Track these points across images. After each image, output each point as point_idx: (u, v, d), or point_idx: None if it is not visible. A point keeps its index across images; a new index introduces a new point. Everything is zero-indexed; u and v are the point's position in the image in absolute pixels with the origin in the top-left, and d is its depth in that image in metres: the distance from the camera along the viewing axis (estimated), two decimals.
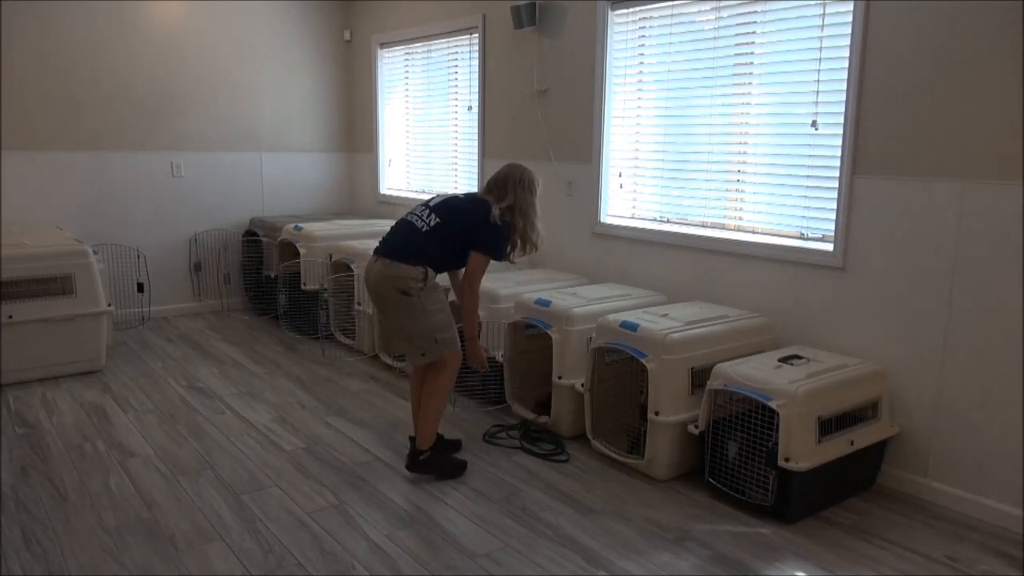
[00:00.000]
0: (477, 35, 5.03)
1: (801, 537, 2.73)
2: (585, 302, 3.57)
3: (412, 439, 3.18)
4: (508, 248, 3.09)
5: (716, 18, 3.64)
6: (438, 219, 3.00)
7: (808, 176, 3.35)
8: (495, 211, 3.00)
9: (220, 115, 5.83)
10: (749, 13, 3.49)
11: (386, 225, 5.59)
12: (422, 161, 5.85)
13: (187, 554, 2.56)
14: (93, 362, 4.41)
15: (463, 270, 3.11)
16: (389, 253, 2.98)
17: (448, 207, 3.05)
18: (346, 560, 2.53)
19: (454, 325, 3.06)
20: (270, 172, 6.15)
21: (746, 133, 3.58)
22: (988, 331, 2.83)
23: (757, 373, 2.89)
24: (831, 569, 2.53)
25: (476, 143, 5.15)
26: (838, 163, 3.20)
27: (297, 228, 5.26)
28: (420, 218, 3.03)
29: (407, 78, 5.88)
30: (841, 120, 3.17)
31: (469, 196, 3.14)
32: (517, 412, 3.76)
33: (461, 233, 3.02)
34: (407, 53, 5.82)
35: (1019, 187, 2.69)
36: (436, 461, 3.12)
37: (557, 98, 4.48)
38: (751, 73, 3.53)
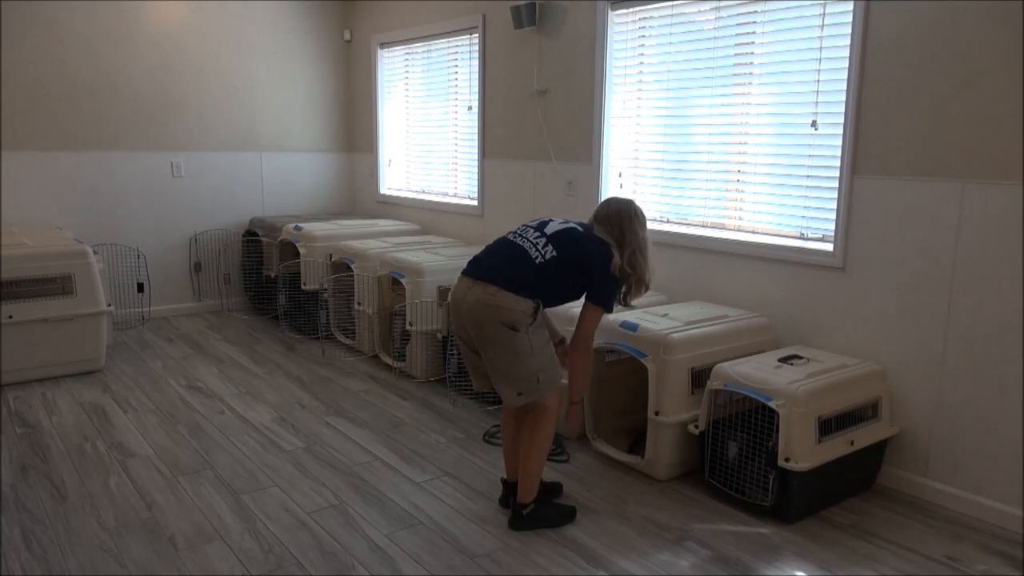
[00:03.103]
0: (477, 35, 5.03)
1: (801, 537, 2.73)
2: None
3: (505, 481, 2.92)
4: (619, 295, 2.79)
5: (716, 18, 3.64)
6: (555, 252, 2.63)
7: (808, 176, 3.35)
8: (616, 260, 2.67)
9: (220, 115, 5.83)
10: (749, 13, 3.49)
11: (386, 225, 5.65)
12: (422, 161, 5.85)
13: (187, 554, 2.56)
14: (93, 362, 4.41)
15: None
16: (495, 279, 2.60)
17: (568, 241, 2.66)
18: (346, 560, 2.53)
19: (557, 362, 2.75)
20: (270, 172, 6.15)
21: (746, 133, 3.58)
22: (988, 331, 2.83)
23: (757, 373, 2.89)
24: (831, 569, 2.53)
25: (476, 143, 5.15)
26: (838, 163, 3.20)
27: (297, 228, 5.26)
28: (534, 246, 2.66)
29: (407, 78, 5.88)
30: (841, 120, 3.17)
31: (588, 233, 2.72)
32: None
33: (579, 276, 2.66)
34: (407, 53, 5.82)
35: (1019, 187, 2.69)
36: (543, 514, 2.78)
37: (557, 98, 4.48)
38: (751, 73, 3.53)
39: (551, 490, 2.99)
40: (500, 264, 2.64)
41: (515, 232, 2.76)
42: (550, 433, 2.73)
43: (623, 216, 2.74)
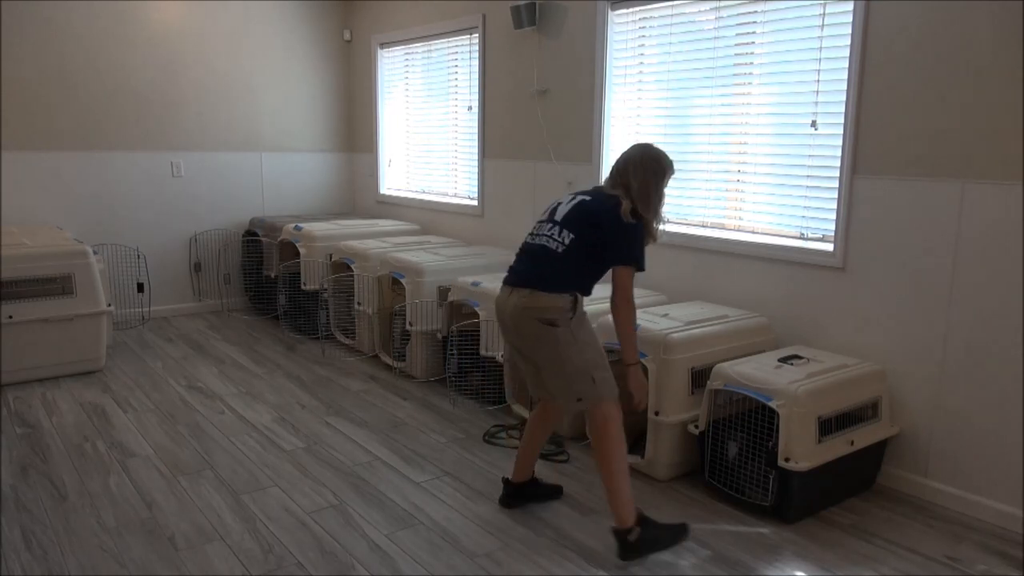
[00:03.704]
0: (477, 35, 5.03)
1: (801, 537, 2.73)
2: (585, 302, 3.56)
3: (507, 481, 2.90)
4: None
5: (716, 18, 3.64)
6: (572, 234, 2.54)
7: (808, 176, 3.35)
8: (624, 206, 2.53)
9: (220, 115, 5.83)
10: (749, 13, 3.49)
11: (386, 225, 5.65)
12: (422, 161, 5.85)
13: (187, 554, 2.56)
14: (93, 362, 4.41)
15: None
16: (526, 282, 2.56)
17: (578, 215, 2.57)
18: (346, 560, 2.53)
19: (609, 365, 2.62)
20: (270, 172, 6.15)
21: (746, 133, 3.58)
22: (988, 331, 2.83)
23: (757, 373, 2.89)
24: (831, 569, 2.53)
25: (476, 143, 5.15)
26: (838, 163, 3.20)
27: (297, 228, 5.26)
28: (551, 238, 2.57)
29: (407, 78, 5.88)
30: (841, 120, 3.17)
31: (596, 193, 2.65)
32: (517, 412, 3.76)
33: (599, 240, 2.55)
34: (407, 53, 5.82)
35: (1019, 187, 2.69)
36: (652, 537, 2.56)
37: (557, 98, 4.48)
38: (751, 73, 3.53)
39: (552, 491, 2.97)
40: (528, 266, 2.60)
41: (532, 233, 2.68)
42: (621, 446, 2.55)
43: (631, 161, 2.61)
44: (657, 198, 2.59)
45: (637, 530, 2.52)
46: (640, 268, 2.56)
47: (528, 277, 2.57)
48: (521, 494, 2.91)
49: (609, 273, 2.60)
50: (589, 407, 2.56)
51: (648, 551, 2.55)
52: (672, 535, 2.61)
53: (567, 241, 2.54)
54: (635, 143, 2.72)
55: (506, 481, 2.91)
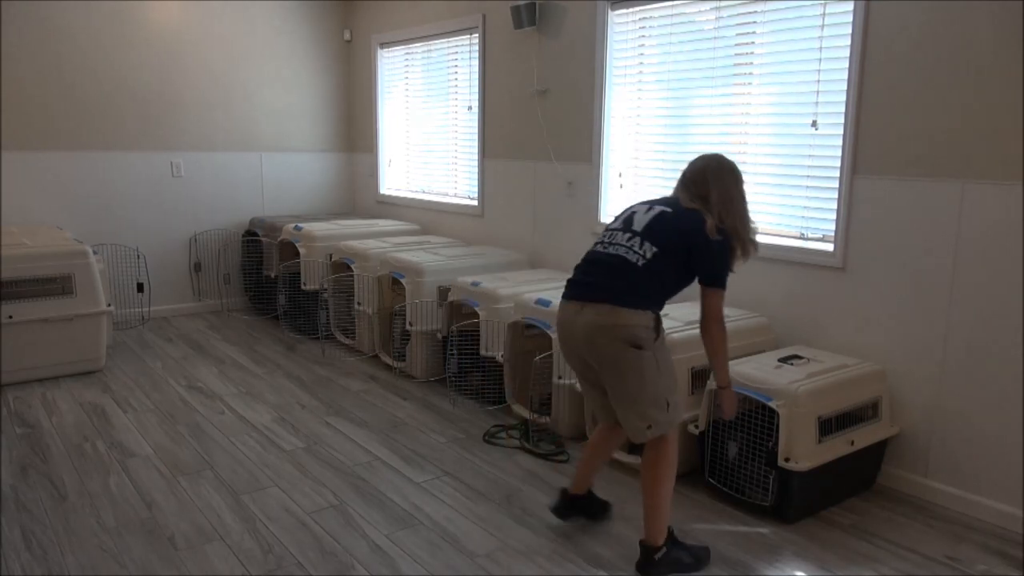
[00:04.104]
0: (477, 35, 5.03)
1: (801, 537, 2.73)
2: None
3: (564, 492, 2.75)
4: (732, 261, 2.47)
5: (716, 18, 3.64)
6: (654, 248, 2.35)
7: (808, 176, 3.35)
8: (710, 223, 2.37)
9: (220, 115, 5.83)
10: (749, 13, 3.49)
11: (386, 225, 5.65)
12: (422, 161, 5.85)
13: (187, 554, 2.55)
14: (93, 362, 4.41)
15: None
16: (604, 297, 2.34)
17: (661, 228, 2.38)
18: (346, 560, 2.53)
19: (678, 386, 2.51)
20: (270, 172, 6.15)
21: (746, 133, 3.58)
22: (988, 331, 2.83)
23: (757, 373, 2.89)
24: (831, 569, 2.53)
25: (476, 143, 5.15)
26: (838, 163, 3.20)
27: (297, 228, 5.26)
28: (630, 249, 2.38)
29: (407, 78, 5.88)
30: (841, 120, 3.17)
31: (677, 209, 2.43)
32: (517, 412, 3.76)
33: (686, 259, 2.39)
34: (407, 53, 5.82)
35: (1019, 187, 2.69)
36: (676, 559, 2.49)
37: (557, 98, 4.48)
38: (751, 73, 3.53)
39: (603, 508, 2.84)
40: (602, 279, 2.39)
41: (603, 242, 2.48)
42: (675, 463, 2.48)
43: (707, 171, 2.46)
44: (744, 207, 2.46)
45: (664, 550, 2.47)
46: (723, 287, 2.43)
47: (605, 291, 2.36)
48: (574, 506, 2.77)
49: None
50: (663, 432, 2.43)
51: (669, 571, 2.48)
52: (696, 560, 2.53)
53: (648, 255, 2.35)
54: (700, 155, 2.56)
55: (563, 492, 2.76)
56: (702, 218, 2.39)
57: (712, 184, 2.43)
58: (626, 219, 2.48)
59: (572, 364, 2.57)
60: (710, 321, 2.44)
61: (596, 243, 2.52)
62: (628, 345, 2.31)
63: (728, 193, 2.43)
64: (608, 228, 2.54)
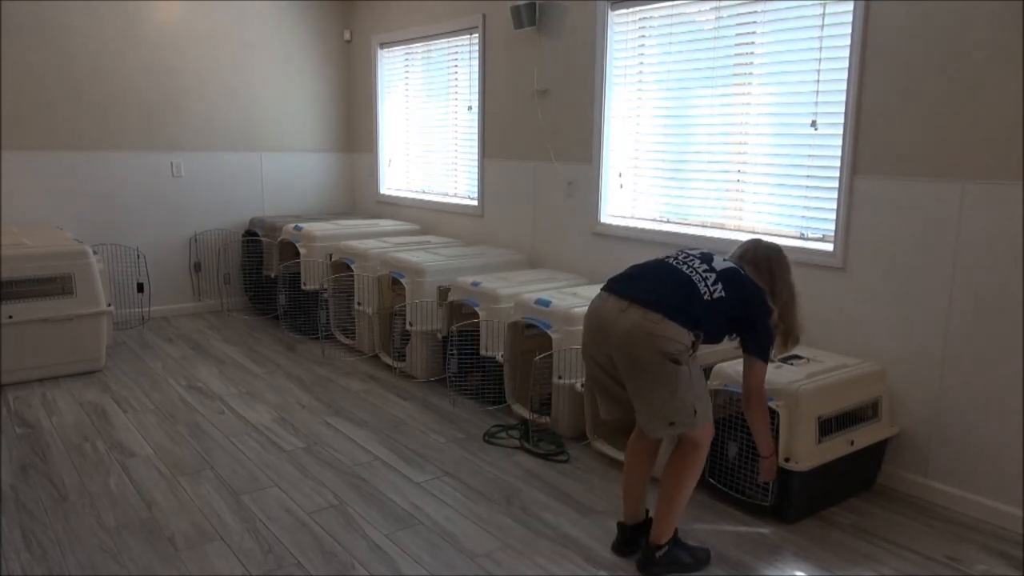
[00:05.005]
0: (477, 35, 5.03)
1: (801, 537, 2.73)
2: (585, 302, 3.56)
3: (622, 525, 2.64)
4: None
5: (716, 18, 3.64)
6: (723, 293, 2.39)
7: (808, 176, 3.35)
8: (775, 317, 2.50)
9: (220, 115, 5.83)
10: (749, 13, 3.49)
11: (386, 225, 5.65)
12: (422, 161, 5.85)
13: (187, 554, 2.56)
14: (93, 362, 4.41)
15: None
16: (658, 306, 2.34)
17: (735, 283, 2.43)
18: (346, 560, 2.53)
19: (708, 393, 2.54)
20: (270, 172, 6.15)
21: (746, 133, 3.58)
22: (988, 331, 2.83)
23: None
24: (831, 569, 2.53)
25: (476, 143, 5.15)
26: (838, 163, 3.20)
27: (297, 228, 5.26)
28: (704, 280, 2.40)
29: (407, 78, 5.88)
30: (841, 120, 3.17)
31: (748, 277, 2.50)
32: (517, 412, 3.76)
33: (738, 320, 2.45)
34: (407, 53, 5.82)
35: (1019, 187, 2.69)
36: (676, 558, 2.50)
37: (557, 98, 4.48)
38: (751, 73, 3.53)
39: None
40: (665, 290, 2.38)
41: (676, 258, 2.50)
42: (700, 471, 2.48)
43: (773, 262, 2.56)
44: (796, 302, 2.59)
45: (666, 549, 2.48)
46: (767, 362, 2.51)
47: (663, 302, 2.35)
48: (637, 539, 2.62)
49: None
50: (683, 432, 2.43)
51: (669, 570, 2.49)
52: (696, 560, 2.53)
53: (715, 295, 2.39)
54: (753, 239, 2.67)
55: (620, 526, 2.65)
56: (769, 306, 2.49)
57: (778, 277, 2.55)
58: (704, 254, 2.53)
59: (592, 356, 2.52)
60: (753, 395, 2.50)
61: (667, 256, 2.54)
62: (666, 359, 2.32)
63: (791, 290, 2.57)
64: (684, 249, 2.60)
